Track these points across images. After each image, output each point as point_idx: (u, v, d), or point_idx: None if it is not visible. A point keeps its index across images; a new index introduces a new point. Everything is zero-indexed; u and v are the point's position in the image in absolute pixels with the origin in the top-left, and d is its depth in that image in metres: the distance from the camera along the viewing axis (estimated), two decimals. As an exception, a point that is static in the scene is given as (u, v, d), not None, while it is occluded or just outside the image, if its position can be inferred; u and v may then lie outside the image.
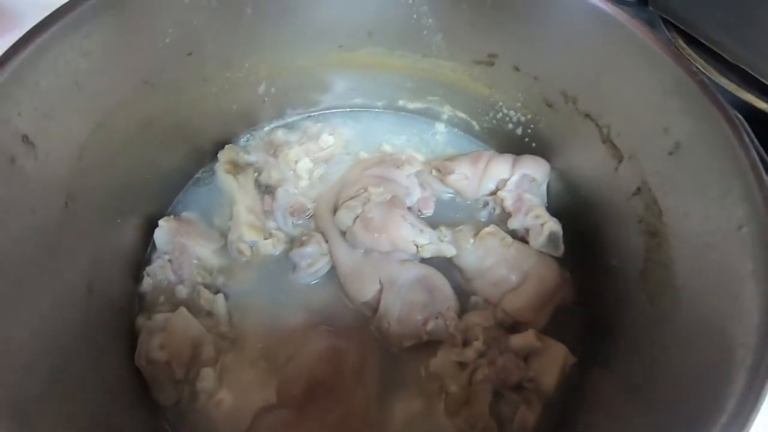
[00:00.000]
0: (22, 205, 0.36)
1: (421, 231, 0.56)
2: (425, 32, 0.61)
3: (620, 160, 0.51)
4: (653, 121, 0.45)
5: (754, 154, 0.35)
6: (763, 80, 0.60)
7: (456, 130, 0.73)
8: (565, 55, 0.53)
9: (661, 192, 0.45)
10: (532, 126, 0.64)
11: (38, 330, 0.36)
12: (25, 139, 0.36)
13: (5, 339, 0.32)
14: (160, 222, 0.57)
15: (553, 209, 0.61)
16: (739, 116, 0.39)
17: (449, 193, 0.66)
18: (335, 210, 0.60)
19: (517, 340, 0.52)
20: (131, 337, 0.51)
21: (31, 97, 0.36)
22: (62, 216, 0.41)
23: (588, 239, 0.57)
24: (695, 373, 0.35)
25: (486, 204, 0.64)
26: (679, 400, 0.37)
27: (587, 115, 0.54)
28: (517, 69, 0.59)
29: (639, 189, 0.48)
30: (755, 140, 0.38)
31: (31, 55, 0.36)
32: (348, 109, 0.74)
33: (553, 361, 0.51)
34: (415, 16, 0.59)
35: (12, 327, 0.33)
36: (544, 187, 0.63)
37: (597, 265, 0.55)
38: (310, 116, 0.73)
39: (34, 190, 0.37)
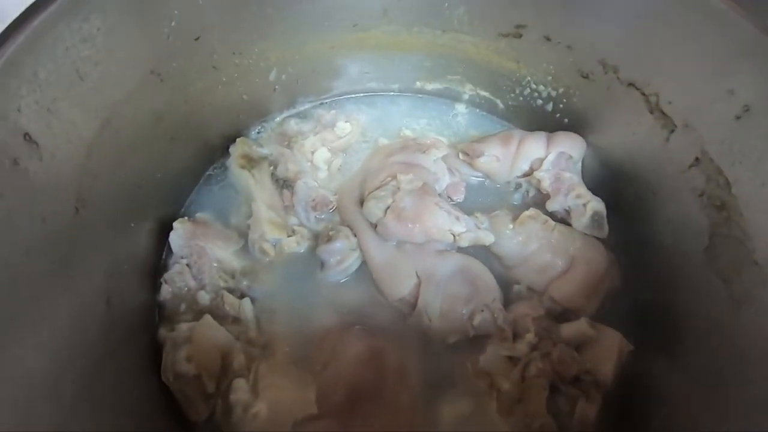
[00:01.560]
0: (30, 213, 0.32)
1: (457, 218, 0.52)
2: (446, 5, 0.57)
3: (672, 130, 0.47)
4: (714, 84, 0.41)
5: None
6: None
7: (478, 110, 0.69)
8: (606, 20, 0.49)
9: (726, 161, 0.41)
10: (564, 100, 0.60)
11: (58, 352, 0.32)
12: (28, 137, 0.32)
13: (27, 368, 0.27)
14: (175, 224, 0.53)
15: (589, 188, 0.58)
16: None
17: (478, 177, 0.62)
18: (361, 201, 0.56)
19: (570, 330, 0.48)
20: (154, 351, 0.47)
21: (30, 89, 0.32)
22: (74, 223, 0.37)
23: (633, 218, 0.54)
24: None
25: (519, 186, 0.61)
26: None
27: (631, 84, 0.50)
28: (548, 39, 0.55)
29: (698, 159, 0.44)
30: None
31: (27, 40, 0.31)
32: (362, 94, 0.70)
33: (609, 350, 0.48)
34: (435, -13, 0.55)
35: (31, 353, 0.29)
36: (579, 165, 0.60)
37: (647, 245, 0.51)
38: (322, 104, 0.69)
39: (42, 195, 0.33)
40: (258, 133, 0.65)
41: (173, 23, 0.45)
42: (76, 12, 0.35)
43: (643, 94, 0.49)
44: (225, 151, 0.62)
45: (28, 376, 0.27)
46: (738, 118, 0.40)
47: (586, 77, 0.55)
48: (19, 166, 0.31)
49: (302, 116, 0.67)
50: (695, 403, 0.40)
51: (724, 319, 0.39)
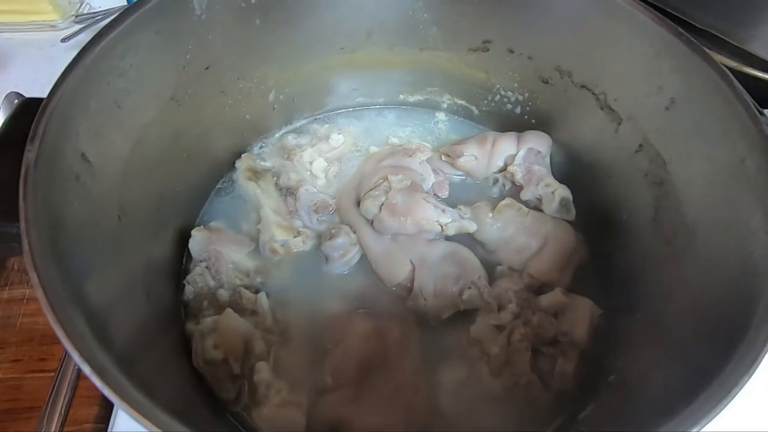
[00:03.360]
0: (90, 220, 0.38)
1: (443, 211, 0.59)
2: (421, 27, 0.65)
3: (619, 122, 0.55)
4: (647, 82, 0.50)
5: (746, 96, 0.40)
6: (731, 42, 0.65)
7: (456, 117, 0.77)
8: (557, 33, 0.57)
9: (662, 145, 0.49)
10: (530, 104, 0.68)
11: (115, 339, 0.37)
12: (84, 156, 0.38)
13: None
14: (193, 232, 0.59)
15: (558, 178, 0.66)
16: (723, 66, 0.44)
17: (459, 175, 0.70)
18: (358, 202, 0.63)
19: (546, 299, 0.55)
20: (184, 343, 0.53)
21: (84, 117, 0.39)
22: (118, 229, 0.43)
23: (596, 200, 0.62)
24: (719, 292, 0.39)
25: (496, 181, 0.68)
26: (705, 326, 0.40)
27: (583, 86, 0.59)
28: (511, 51, 0.64)
29: (641, 146, 0.52)
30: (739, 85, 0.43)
31: (82, 77, 0.38)
32: (351, 109, 0.77)
33: (581, 314, 0.55)
34: (410, 12, 0.63)
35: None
36: (548, 159, 0.68)
37: (608, 222, 0.59)
38: (316, 119, 0.76)
39: (97, 205, 0.39)
40: (260, 148, 0.72)
41: (188, 56, 0.52)
42: (115, 52, 0.42)
43: (594, 94, 0.58)
44: (231, 167, 0.68)
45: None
46: (667, 108, 0.48)
47: (546, 82, 0.63)
48: (80, 180, 0.37)
49: (299, 131, 0.75)
50: (650, 346, 0.47)
51: (667, 275, 0.47)
